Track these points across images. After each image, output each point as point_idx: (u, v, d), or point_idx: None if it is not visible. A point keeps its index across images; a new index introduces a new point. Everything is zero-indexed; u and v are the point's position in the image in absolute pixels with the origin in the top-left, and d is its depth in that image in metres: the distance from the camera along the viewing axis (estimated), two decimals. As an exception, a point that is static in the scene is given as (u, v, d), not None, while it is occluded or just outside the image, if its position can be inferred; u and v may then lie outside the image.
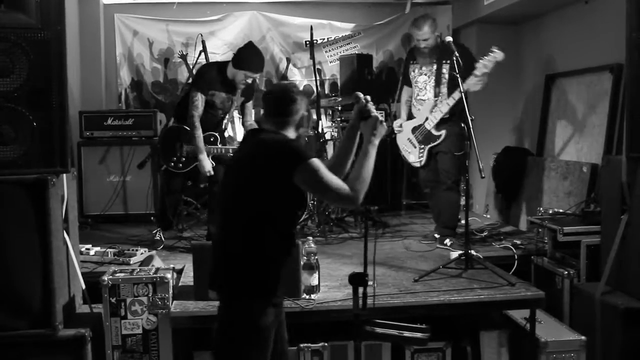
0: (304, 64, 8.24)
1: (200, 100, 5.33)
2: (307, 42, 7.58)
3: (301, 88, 8.21)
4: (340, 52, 8.25)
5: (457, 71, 4.80)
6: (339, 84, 8.17)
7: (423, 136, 5.59)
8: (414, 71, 5.73)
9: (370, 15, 8.38)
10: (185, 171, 5.55)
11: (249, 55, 5.31)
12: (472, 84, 5.25)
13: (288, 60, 8.26)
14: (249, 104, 5.70)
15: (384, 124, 2.98)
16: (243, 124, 5.80)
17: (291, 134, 2.97)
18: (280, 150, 2.80)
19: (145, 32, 8.04)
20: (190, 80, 5.53)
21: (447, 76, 5.49)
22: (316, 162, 2.77)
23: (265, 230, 2.79)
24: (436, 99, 5.52)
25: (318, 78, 7.55)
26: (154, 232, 5.81)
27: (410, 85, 5.82)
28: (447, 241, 5.50)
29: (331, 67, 8.34)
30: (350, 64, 7.75)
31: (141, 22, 8.04)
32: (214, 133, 5.51)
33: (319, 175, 2.77)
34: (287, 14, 8.22)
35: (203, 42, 6.59)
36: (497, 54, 5.16)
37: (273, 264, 2.84)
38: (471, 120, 4.59)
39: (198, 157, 5.34)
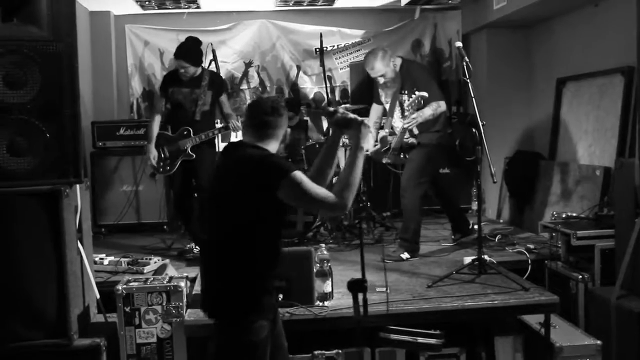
0: (314, 72, 8.25)
1: (157, 100, 5.97)
2: (317, 50, 7.59)
3: (312, 95, 8.23)
4: (351, 59, 8.24)
5: (467, 76, 4.78)
6: (349, 91, 8.17)
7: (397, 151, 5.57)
8: (382, 98, 5.73)
9: (380, 21, 8.37)
10: (174, 171, 5.75)
11: (182, 46, 5.72)
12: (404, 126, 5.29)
13: (298, 67, 8.27)
14: (223, 98, 5.93)
15: (367, 124, 2.94)
16: (222, 115, 6.02)
17: (273, 147, 2.93)
18: (262, 167, 2.75)
19: (156, 43, 8.08)
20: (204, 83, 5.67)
21: (406, 106, 5.37)
22: (299, 174, 2.73)
23: (252, 246, 2.76)
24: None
25: (328, 85, 7.57)
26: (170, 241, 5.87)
27: (379, 103, 5.81)
28: (403, 255, 5.34)
29: (341, 74, 8.33)
30: (360, 71, 7.71)
31: (152, 33, 8.08)
32: (187, 127, 5.70)
33: (303, 188, 2.73)
34: (296, 22, 8.24)
35: (213, 51, 6.61)
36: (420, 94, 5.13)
37: (261, 279, 2.82)
38: (482, 125, 4.58)
39: (146, 146, 5.76)
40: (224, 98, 5.95)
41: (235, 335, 2.75)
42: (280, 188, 2.70)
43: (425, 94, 5.09)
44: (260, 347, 2.77)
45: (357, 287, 2.73)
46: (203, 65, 5.90)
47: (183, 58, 5.61)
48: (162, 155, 5.74)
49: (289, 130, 5.94)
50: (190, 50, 5.67)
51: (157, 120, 5.76)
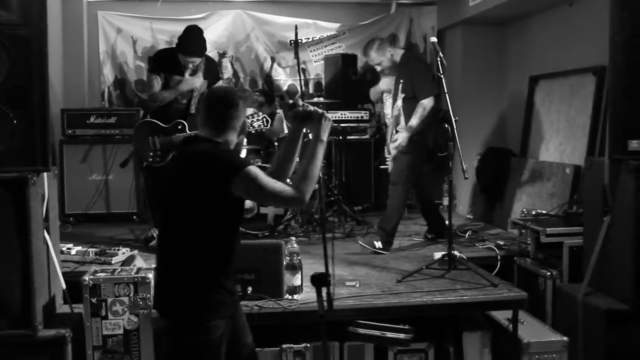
0: (288, 64, 8.22)
1: (155, 81, 5.47)
2: (292, 42, 7.56)
3: (285, 87, 8.20)
4: (325, 52, 8.24)
5: (441, 72, 4.79)
6: (323, 84, 8.17)
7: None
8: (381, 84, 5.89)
9: (356, 15, 8.38)
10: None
11: (183, 39, 5.47)
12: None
13: (272, 59, 8.24)
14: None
15: (329, 117, 2.90)
16: None
17: (231, 139, 2.87)
18: (214, 163, 2.70)
19: (129, 30, 7.98)
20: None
21: (400, 94, 5.49)
22: (253, 169, 2.68)
23: (205, 243, 2.71)
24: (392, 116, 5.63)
25: (302, 77, 7.53)
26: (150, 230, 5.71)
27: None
28: (376, 243, 5.41)
29: (316, 67, 8.32)
30: (335, 64, 7.75)
31: (125, 20, 7.98)
32: (182, 121, 5.47)
33: (258, 183, 2.68)
34: (272, 13, 8.20)
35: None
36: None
37: (215, 277, 2.75)
38: (455, 120, 4.60)
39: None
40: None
41: (188, 335, 2.70)
42: (233, 184, 2.65)
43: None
44: (213, 346, 2.72)
45: (320, 281, 2.73)
46: None
47: (195, 54, 5.44)
48: (153, 146, 5.44)
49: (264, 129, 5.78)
50: (197, 44, 5.46)
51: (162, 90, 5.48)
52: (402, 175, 5.42)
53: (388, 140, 5.65)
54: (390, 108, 5.65)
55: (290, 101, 2.98)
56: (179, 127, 5.47)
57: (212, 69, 5.70)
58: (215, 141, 2.82)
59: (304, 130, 3.00)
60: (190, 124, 5.47)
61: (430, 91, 5.35)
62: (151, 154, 5.45)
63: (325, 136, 2.86)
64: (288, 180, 2.98)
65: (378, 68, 5.72)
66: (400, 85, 5.48)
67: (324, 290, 2.77)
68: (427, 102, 5.34)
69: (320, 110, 2.90)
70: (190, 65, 5.48)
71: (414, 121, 5.33)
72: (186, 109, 5.57)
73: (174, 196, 2.78)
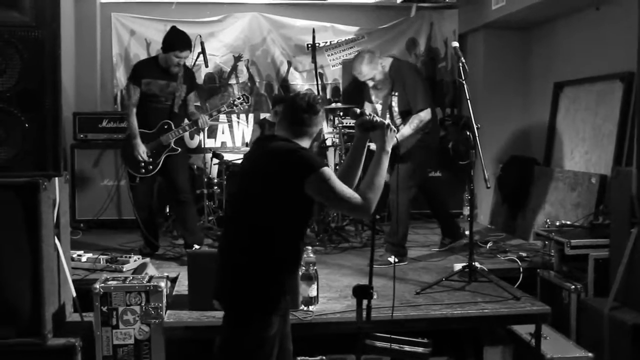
0: (305, 68, 8.23)
1: (132, 90, 5.54)
2: (309, 45, 7.58)
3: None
4: (343, 56, 8.24)
5: (463, 78, 4.76)
6: (341, 89, 8.17)
7: None
8: (373, 98, 5.73)
9: (375, 18, 8.38)
10: (154, 174, 5.56)
11: (172, 37, 5.58)
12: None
13: (289, 63, 8.25)
14: (191, 95, 5.81)
15: (393, 128, 3.00)
16: (186, 114, 5.81)
17: (305, 144, 2.98)
18: (292, 159, 2.81)
19: (142, 32, 8.03)
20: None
21: (396, 109, 5.46)
22: (327, 171, 2.79)
23: (274, 240, 2.80)
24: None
25: (320, 82, 7.56)
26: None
27: (370, 101, 5.80)
28: (390, 259, 5.32)
29: (333, 72, 8.33)
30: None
31: (139, 22, 8.04)
32: (168, 121, 5.57)
33: (330, 184, 2.78)
34: (289, 16, 8.22)
35: (202, 44, 6.57)
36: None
37: (280, 275, 2.85)
38: (477, 128, 4.58)
39: (131, 142, 5.49)
40: (192, 95, 5.83)
41: (247, 329, 2.77)
42: (308, 182, 2.75)
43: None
44: (269, 343, 2.79)
45: (363, 293, 2.83)
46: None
47: (187, 47, 5.54)
48: (142, 158, 5.49)
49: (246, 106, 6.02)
50: (185, 38, 5.55)
51: (134, 112, 5.55)
52: (402, 182, 5.29)
53: None
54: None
55: (358, 110, 3.05)
56: (165, 126, 5.58)
57: (190, 75, 5.80)
58: (293, 141, 2.93)
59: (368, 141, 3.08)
60: (175, 123, 5.60)
61: (424, 103, 5.30)
62: (142, 164, 5.52)
63: (389, 147, 2.97)
64: None
65: (370, 83, 5.51)
66: (394, 99, 5.42)
67: (364, 302, 2.87)
68: (425, 115, 5.28)
69: (385, 122, 3.00)
70: (179, 61, 5.54)
71: (407, 130, 5.26)
72: (170, 109, 5.64)
73: (247, 188, 2.90)
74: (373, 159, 2.97)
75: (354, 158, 3.09)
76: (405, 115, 5.36)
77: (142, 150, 5.47)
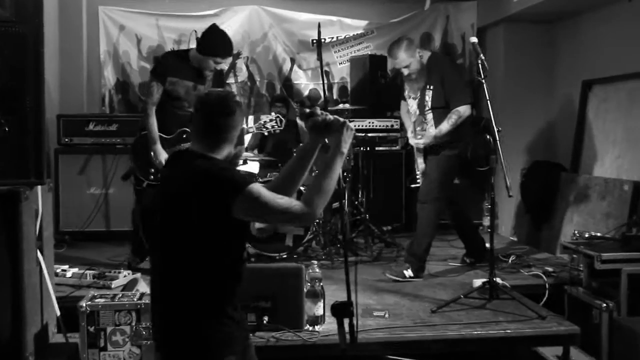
0: (310, 66, 8.25)
1: (155, 88, 5.36)
2: (314, 41, 7.61)
3: (306, 92, 8.21)
4: (351, 53, 8.25)
5: (482, 76, 4.77)
6: (349, 88, 8.17)
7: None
8: (406, 92, 5.80)
9: (385, 12, 8.39)
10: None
11: (216, 39, 5.42)
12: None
13: (292, 60, 8.26)
14: None
15: (351, 127, 2.81)
16: None
17: (225, 153, 2.79)
18: (212, 183, 2.60)
19: (132, 27, 8.03)
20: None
21: (429, 103, 5.51)
22: (255, 187, 2.59)
23: (208, 271, 2.64)
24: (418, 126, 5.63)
25: (326, 81, 7.56)
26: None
27: (404, 99, 5.92)
28: (406, 272, 5.37)
29: (340, 69, 8.34)
30: (361, 66, 7.75)
31: (128, 16, 8.04)
32: (187, 129, 5.44)
33: (261, 201, 2.59)
34: (292, 9, 8.23)
35: (197, 40, 6.60)
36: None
37: (222, 308, 2.67)
38: (498, 131, 4.57)
39: (151, 148, 5.31)
40: None
41: None
42: (235, 205, 2.57)
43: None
44: None
45: (342, 311, 2.69)
46: None
47: (230, 54, 5.48)
48: (154, 161, 5.37)
49: (277, 129, 5.78)
50: (230, 43, 5.47)
51: (154, 112, 5.35)
52: (431, 193, 5.38)
53: (416, 164, 5.65)
54: (410, 119, 5.69)
55: (307, 110, 2.90)
56: (184, 135, 5.47)
57: (220, 80, 5.74)
58: (210, 157, 2.74)
59: (325, 142, 2.95)
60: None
61: (465, 98, 5.35)
62: (152, 170, 5.42)
63: (345, 148, 2.78)
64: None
65: (405, 72, 5.60)
66: (430, 93, 5.47)
67: (346, 322, 2.72)
68: (464, 110, 5.34)
69: (341, 119, 2.82)
70: (218, 68, 5.47)
71: (445, 126, 5.33)
72: (191, 117, 5.53)
73: (168, 219, 2.69)
74: (324, 159, 2.78)
75: (301, 163, 2.90)
76: (439, 111, 5.42)
77: (164, 158, 5.24)
